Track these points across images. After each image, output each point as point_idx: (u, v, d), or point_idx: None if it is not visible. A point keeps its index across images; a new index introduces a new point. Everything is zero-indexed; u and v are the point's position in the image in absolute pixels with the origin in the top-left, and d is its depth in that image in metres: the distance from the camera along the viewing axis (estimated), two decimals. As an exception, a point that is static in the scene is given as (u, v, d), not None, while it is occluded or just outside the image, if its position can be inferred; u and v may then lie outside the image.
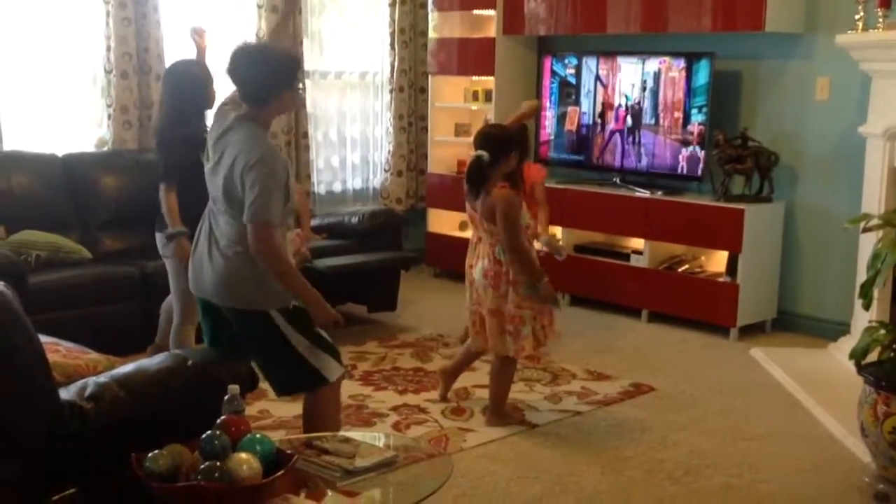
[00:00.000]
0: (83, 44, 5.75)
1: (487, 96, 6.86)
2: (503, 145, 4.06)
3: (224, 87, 3.39)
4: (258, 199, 2.99)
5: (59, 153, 5.54)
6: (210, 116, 3.97)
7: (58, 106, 5.76)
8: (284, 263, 3.10)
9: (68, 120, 5.81)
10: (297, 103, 3.18)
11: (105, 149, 5.80)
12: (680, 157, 5.91)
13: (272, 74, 3.10)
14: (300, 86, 3.20)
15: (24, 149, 5.47)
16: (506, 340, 4.08)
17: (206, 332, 3.37)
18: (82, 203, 5.49)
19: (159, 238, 4.30)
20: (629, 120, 6.17)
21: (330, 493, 2.42)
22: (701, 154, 5.79)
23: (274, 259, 3.06)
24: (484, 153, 4.00)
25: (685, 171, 5.90)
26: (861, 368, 3.64)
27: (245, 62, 3.11)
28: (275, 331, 3.16)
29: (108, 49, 5.72)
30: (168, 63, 5.84)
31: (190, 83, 4.23)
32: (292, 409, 3.97)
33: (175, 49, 5.97)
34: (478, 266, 4.14)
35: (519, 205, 4.03)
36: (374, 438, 3.06)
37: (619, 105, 6.22)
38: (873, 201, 4.94)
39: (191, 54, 4.61)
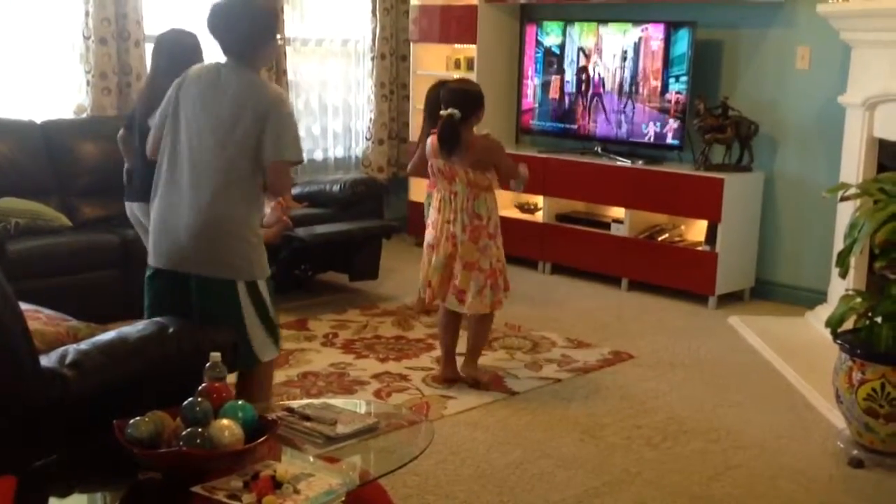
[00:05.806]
0: (61, 9, 5.68)
1: (469, 64, 6.83)
2: (473, 101, 4.12)
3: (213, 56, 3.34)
4: (286, 136, 3.04)
5: (38, 120, 5.49)
6: None
7: (36, 72, 5.70)
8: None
9: (47, 86, 5.75)
10: (277, 54, 3.21)
11: (84, 115, 5.76)
12: (660, 126, 5.93)
13: (255, 27, 3.12)
14: (279, 38, 3.22)
15: (2, 115, 5.41)
16: (484, 296, 4.15)
17: (152, 303, 3.24)
18: (61, 170, 5.45)
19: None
20: (611, 89, 6.17)
21: (312, 460, 2.44)
22: (680, 124, 5.81)
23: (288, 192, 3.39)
24: (456, 111, 4.02)
25: (666, 141, 5.92)
26: (837, 336, 3.68)
27: (227, 17, 3.12)
28: (235, 304, 3.11)
29: (87, 15, 5.66)
30: (146, 29, 5.81)
31: (185, 52, 4.16)
32: (277, 375, 3.97)
33: (153, 15, 5.92)
34: (457, 220, 4.14)
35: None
36: (355, 406, 3.07)
37: (601, 74, 6.21)
38: (851, 170, 4.98)
39: (173, 23, 4.55)
